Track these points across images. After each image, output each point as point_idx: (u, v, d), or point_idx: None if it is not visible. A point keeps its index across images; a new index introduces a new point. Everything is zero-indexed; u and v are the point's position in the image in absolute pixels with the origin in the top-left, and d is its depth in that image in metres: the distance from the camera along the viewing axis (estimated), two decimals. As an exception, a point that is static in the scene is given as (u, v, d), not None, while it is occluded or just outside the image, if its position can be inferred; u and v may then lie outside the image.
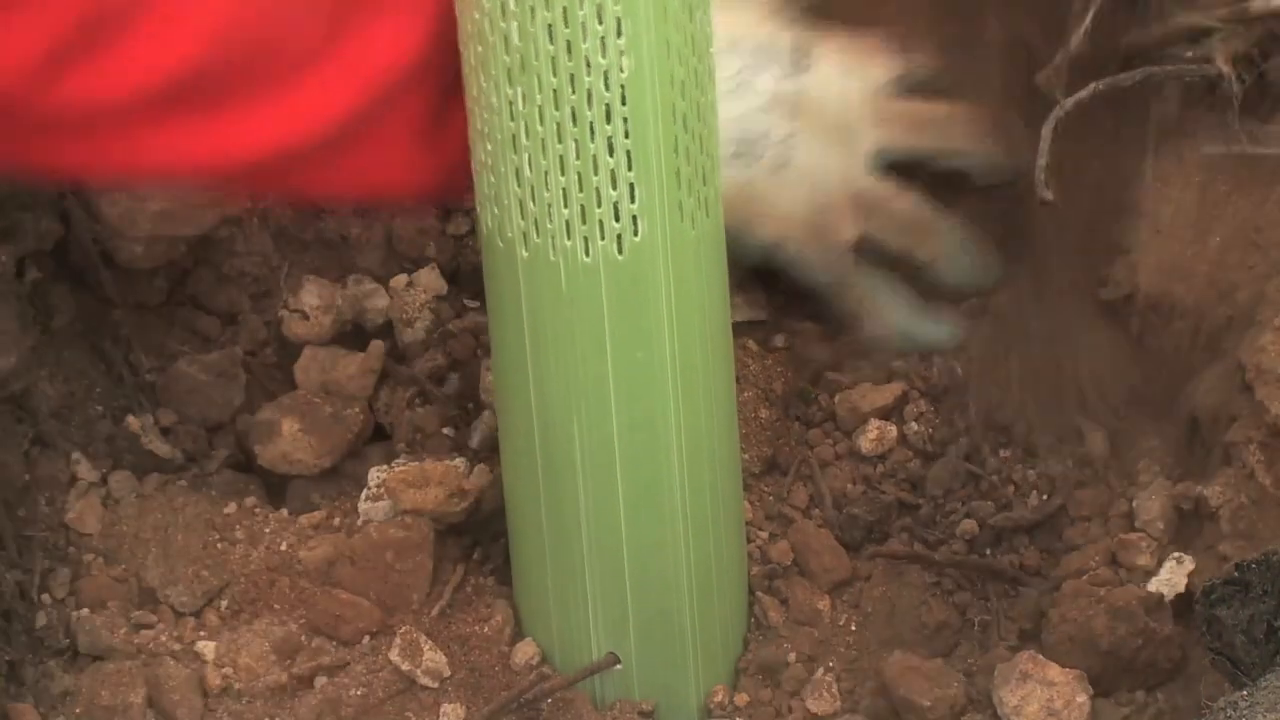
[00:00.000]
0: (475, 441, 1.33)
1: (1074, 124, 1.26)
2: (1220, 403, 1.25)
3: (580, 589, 1.18)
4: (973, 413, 1.33)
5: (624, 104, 1.06)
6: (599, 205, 1.08)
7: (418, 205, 1.38)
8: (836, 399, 1.35)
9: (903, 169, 1.34)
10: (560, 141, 1.07)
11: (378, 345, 1.36)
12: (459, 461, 1.30)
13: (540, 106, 1.06)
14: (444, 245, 1.41)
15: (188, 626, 1.25)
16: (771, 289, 1.37)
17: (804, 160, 1.31)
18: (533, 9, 1.04)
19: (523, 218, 1.10)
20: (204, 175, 1.11)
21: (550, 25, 1.04)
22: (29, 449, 1.28)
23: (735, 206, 1.21)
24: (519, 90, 1.06)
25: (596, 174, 1.07)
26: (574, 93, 1.05)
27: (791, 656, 1.24)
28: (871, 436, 1.33)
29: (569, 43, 1.04)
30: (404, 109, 1.11)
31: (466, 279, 1.39)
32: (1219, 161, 1.29)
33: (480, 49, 1.07)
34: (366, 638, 1.23)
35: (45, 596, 1.25)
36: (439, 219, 1.41)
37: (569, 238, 1.09)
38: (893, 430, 1.33)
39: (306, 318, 1.38)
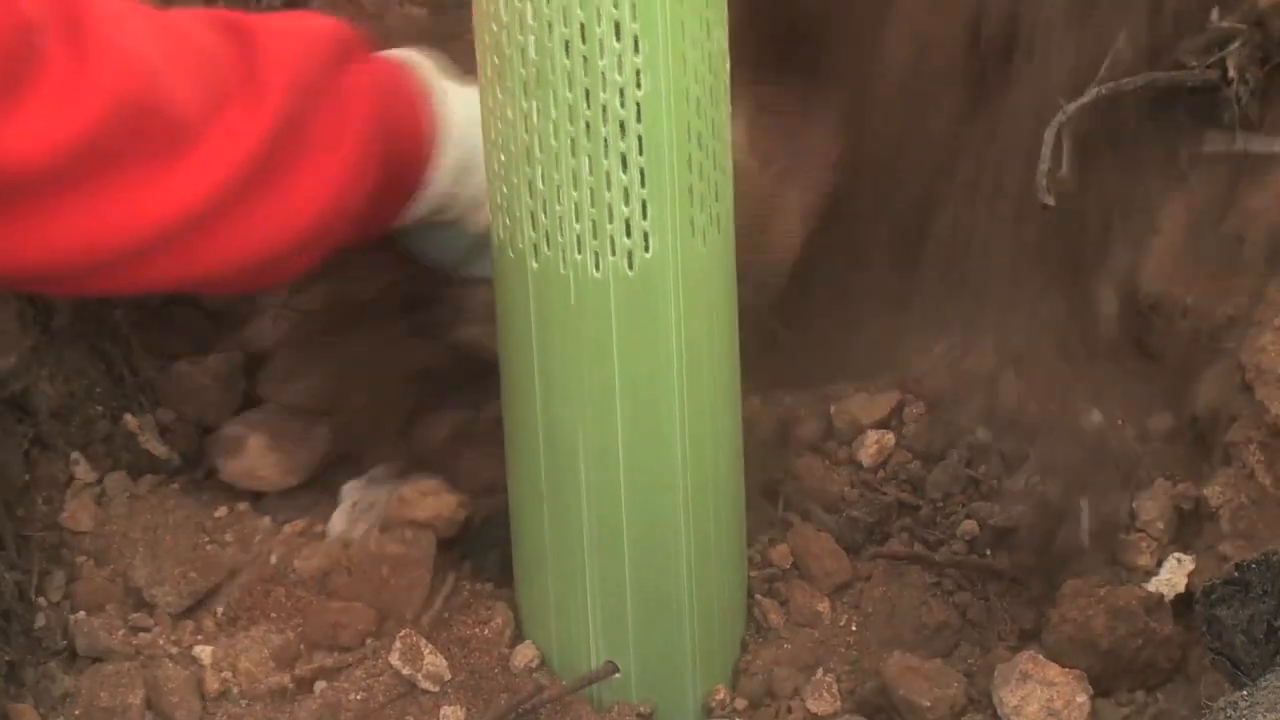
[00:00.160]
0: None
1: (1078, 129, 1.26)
2: (1220, 403, 1.25)
3: (580, 593, 1.18)
4: (972, 414, 1.33)
5: (639, 121, 1.05)
6: (611, 221, 1.08)
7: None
8: (833, 410, 1.35)
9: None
10: (574, 156, 1.06)
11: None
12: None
13: (555, 121, 1.05)
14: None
15: (185, 630, 1.25)
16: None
17: None
18: (550, 24, 1.03)
19: (534, 230, 1.09)
20: (118, 241, 1.07)
21: (568, 41, 1.03)
22: (29, 449, 1.27)
23: None
24: (534, 104, 1.05)
25: (609, 190, 1.07)
26: (589, 108, 1.05)
27: (791, 658, 1.24)
28: (871, 451, 1.33)
29: (585, 58, 1.04)
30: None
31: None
32: (1219, 162, 1.30)
33: (497, 61, 1.06)
34: (368, 639, 1.23)
35: (42, 599, 1.24)
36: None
37: (580, 252, 1.08)
38: (890, 439, 1.33)
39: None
